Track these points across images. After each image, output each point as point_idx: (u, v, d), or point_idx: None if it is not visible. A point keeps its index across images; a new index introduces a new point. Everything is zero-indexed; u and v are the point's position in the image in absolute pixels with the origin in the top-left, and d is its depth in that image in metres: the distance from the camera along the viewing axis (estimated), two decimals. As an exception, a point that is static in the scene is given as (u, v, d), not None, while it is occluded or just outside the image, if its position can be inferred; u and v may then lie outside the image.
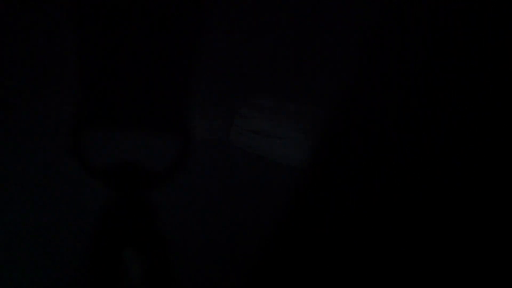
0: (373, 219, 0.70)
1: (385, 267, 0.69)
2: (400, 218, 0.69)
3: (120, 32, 0.78)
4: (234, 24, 1.51)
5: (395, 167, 0.70)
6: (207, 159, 1.55)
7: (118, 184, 0.81)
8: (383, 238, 0.69)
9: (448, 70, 0.69)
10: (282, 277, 0.73)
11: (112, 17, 0.77)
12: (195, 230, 1.54)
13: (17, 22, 1.47)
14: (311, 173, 0.75)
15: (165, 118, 0.82)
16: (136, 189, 0.81)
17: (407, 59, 0.71)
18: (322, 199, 0.73)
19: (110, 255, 0.79)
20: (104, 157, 0.83)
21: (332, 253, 0.71)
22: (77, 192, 1.54)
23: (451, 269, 0.66)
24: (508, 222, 0.65)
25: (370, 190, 0.70)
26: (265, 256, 0.75)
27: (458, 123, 0.67)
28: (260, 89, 1.64)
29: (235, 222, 1.54)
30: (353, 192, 0.71)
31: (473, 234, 0.66)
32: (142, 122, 0.82)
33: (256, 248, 0.77)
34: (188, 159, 0.83)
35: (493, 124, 0.66)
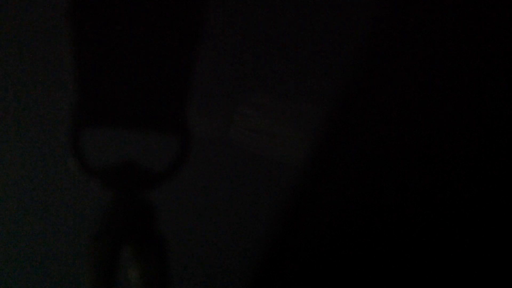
0: (373, 219, 0.69)
1: (385, 267, 0.68)
2: (400, 218, 0.69)
3: (120, 31, 0.78)
4: (234, 23, 1.51)
5: (395, 166, 0.70)
6: (207, 158, 1.55)
7: (118, 184, 0.81)
8: (383, 238, 0.69)
9: (448, 70, 0.69)
10: (282, 277, 0.73)
11: (111, 16, 0.77)
12: (195, 230, 1.54)
13: (16, 20, 1.46)
14: (311, 173, 0.75)
15: (164, 117, 0.82)
16: (136, 189, 0.81)
17: (407, 59, 0.71)
18: (322, 198, 0.73)
19: (109, 255, 0.79)
20: (104, 157, 0.82)
21: (332, 253, 0.71)
22: (76, 192, 1.53)
23: (451, 269, 0.66)
24: (508, 222, 0.65)
25: (370, 190, 0.70)
26: (265, 256, 0.75)
27: (458, 123, 0.67)
28: (259, 88, 1.64)
29: (235, 221, 1.54)
30: (353, 191, 0.71)
31: (473, 234, 0.66)
32: (141, 121, 0.82)
33: (256, 247, 0.77)
34: (187, 159, 0.83)
35: (493, 124, 0.66)
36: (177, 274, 0.81)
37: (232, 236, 1.52)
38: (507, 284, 0.65)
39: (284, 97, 1.63)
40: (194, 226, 1.54)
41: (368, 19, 0.76)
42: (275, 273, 0.73)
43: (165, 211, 0.83)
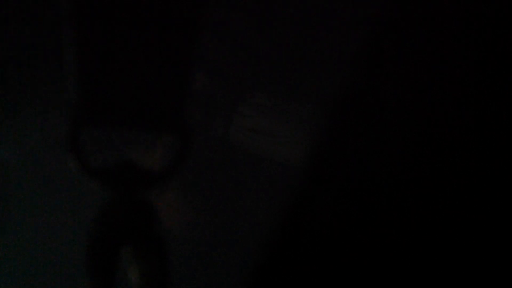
0: (373, 219, 0.69)
1: (384, 267, 0.68)
2: (399, 218, 0.69)
3: (120, 32, 0.78)
4: (233, 22, 1.51)
5: (395, 166, 0.70)
6: (207, 158, 1.55)
7: (118, 184, 0.81)
8: (382, 237, 0.69)
9: (447, 70, 0.69)
10: (282, 277, 0.73)
11: (111, 17, 0.77)
12: (195, 230, 1.54)
13: (16, 19, 1.47)
14: (310, 172, 0.75)
15: (164, 117, 0.82)
16: (136, 189, 0.81)
17: (406, 59, 0.71)
18: (322, 198, 0.73)
19: (109, 255, 0.79)
20: (104, 157, 0.83)
21: (331, 252, 0.71)
22: (76, 192, 1.53)
23: (451, 269, 0.66)
24: (508, 222, 0.65)
25: (370, 190, 0.70)
26: (264, 255, 0.75)
27: (458, 123, 0.67)
28: (259, 88, 1.64)
29: (235, 221, 1.54)
30: (352, 191, 0.71)
31: (472, 233, 0.66)
32: (141, 121, 0.82)
33: (256, 247, 0.77)
34: (187, 159, 0.83)
35: (493, 124, 0.66)
36: (177, 274, 0.81)
37: (232, 236, 1.52)
38: (507, 284, 0.65)
39: (284, 97, 1.63)
40: (194, 226, 1.54)
41: (368, 19, 0.76)
42: (275, 273, 0.73)
43: (165, 211, 0.83)
